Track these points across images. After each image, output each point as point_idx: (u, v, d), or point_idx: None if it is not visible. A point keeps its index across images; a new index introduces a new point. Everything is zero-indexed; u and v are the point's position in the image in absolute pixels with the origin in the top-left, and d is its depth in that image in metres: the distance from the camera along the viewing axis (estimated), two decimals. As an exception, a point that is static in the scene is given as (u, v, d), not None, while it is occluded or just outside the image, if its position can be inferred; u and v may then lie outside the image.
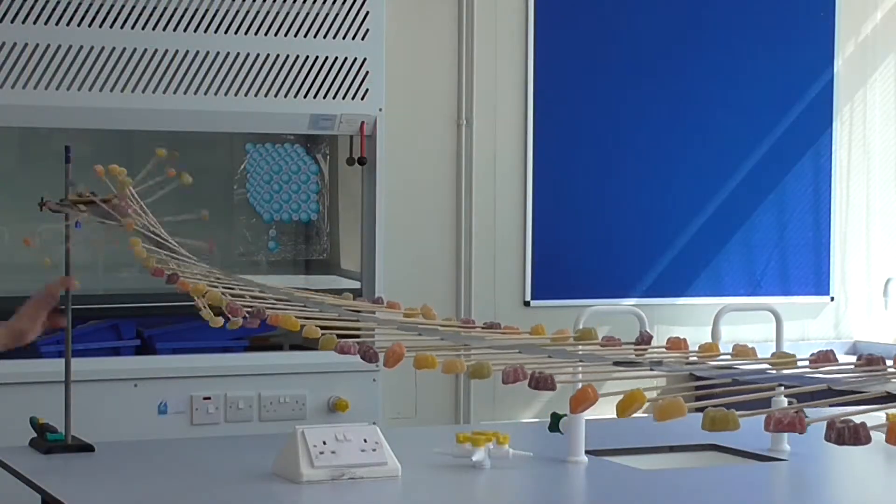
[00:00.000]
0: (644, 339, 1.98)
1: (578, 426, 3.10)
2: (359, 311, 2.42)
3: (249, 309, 2.38)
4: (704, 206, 5.74)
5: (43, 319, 3.16)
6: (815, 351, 1.56)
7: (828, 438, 1.20)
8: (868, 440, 1.18)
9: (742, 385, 1.53)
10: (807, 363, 1.55)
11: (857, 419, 1.40)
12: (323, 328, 2.19)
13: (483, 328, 2.29)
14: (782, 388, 1.58)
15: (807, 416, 1.26)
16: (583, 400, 1.38)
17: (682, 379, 4.51)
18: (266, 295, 2.55)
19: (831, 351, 1.56)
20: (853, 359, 1.34)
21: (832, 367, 1.60)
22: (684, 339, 1.94)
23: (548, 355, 1.86)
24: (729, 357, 1.79)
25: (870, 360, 1.44)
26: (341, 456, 2.84)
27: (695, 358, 1.84)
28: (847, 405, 1.45)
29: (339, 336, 2.20)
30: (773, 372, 1.62)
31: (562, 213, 5.55)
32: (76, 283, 3.21)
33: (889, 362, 1.46)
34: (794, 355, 1.70)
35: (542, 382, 1.49)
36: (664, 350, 1.93)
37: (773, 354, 1.69)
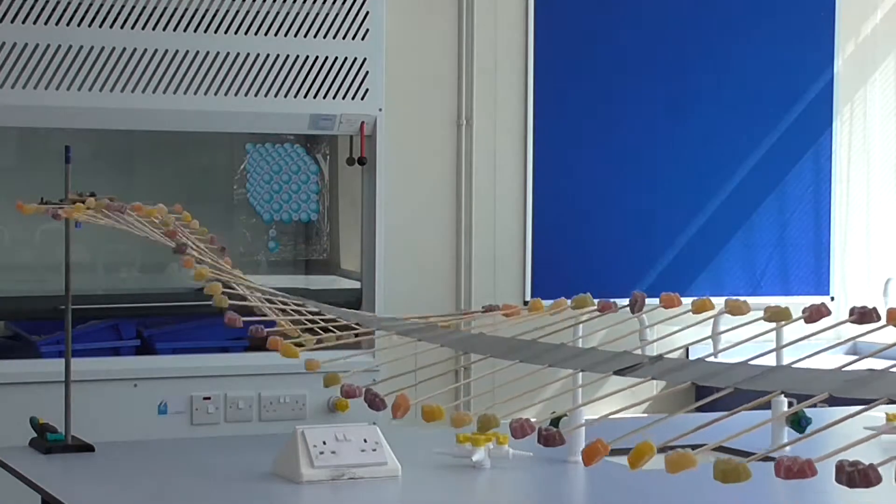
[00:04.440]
0: (637, 301, 2.00)
1: (578, 427, 3.09)
2: (358, 313, 2.42)
3: (252, 327, 2.38)
4: (704, 206, 5.74)
5: None
6: (808, 305, 1.56)
7: (839, 481, 1.23)
8: (878, 481, 1.20)
9: (742, 378, 1.54)
10: (801, 319, 1.55)
11: (857, 421, 1.40)
12: (320, 335, 2.20)
13: (483, 312, 2.29)
14: (783, 395, 1.58)
15: (814, 464, 1.28)
16: (594, 455, 1.40)
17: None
18: (272, 305, 2.52)
19: (823, 304, 1.56)
20: (853, 358, 1.34)
21: (826, 322, 1.61)
22: (677, 295, 1.96)
23: (548, 364, 1.86)
24: (722, 309, 1.81)
25: (862, 314, 1.45)
26: (341, 456, 2.84)
27: (693, 340, 1.85)
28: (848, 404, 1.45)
29: (337, 344, 2.22)
30: (774, 370, 1.63)
31: (562, 213, 5.55)
32: None
33: (881, 315, 1.47)
34: (787, 309, 1.69)
35: (549, 440, 1.50)
36: (660, 308, 1.96)
37: (766, 309, 1.69)
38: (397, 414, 1.79)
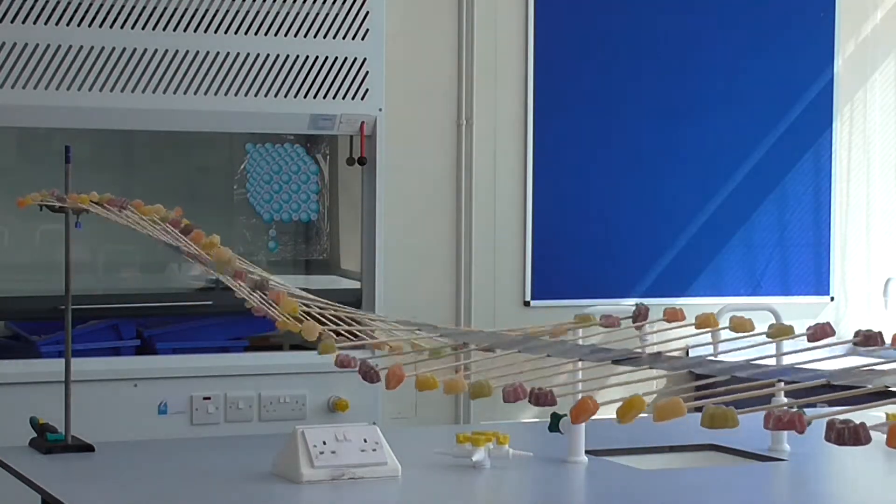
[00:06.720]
0: (641, 313, 1.99)
1: (578, 426, 3.10)
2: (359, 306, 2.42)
3: (255, 280, 2.38)
4: (704, 206, 5.74)
5: None
6: (813, 324, 1.57)
7: (828, 439, 1.21)
8: (868, 440, 1.19)
9: (742, 382, 1.54)
10: (804, 338, 1.55)
11: (857, 418, 1.40)
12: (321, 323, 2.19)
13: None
14: (782, 383, 1.58)
15: (805, 415, 1.27)
16: (583, 411, 1.38)
17: (681, 377, 4.51)
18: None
19: (828, 323, 1.56)
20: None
21: (829, 342, 1.61)
22: (681, 310, 1.95)
23: (547, 354, 1.86)
24: (728, 329, 1.81)
25: (867, 337, 1.45)
26: (341, 456, 2.84)
27: (694, 344, 1.85)
28: (846, 401, 1.45)
29: (335, 332, 2.20)
30: (773, 366, 1.63)
31: (562, 213, 5.55)
32: None
33: (887, 339, 1.47)
34: (791, 327, 1.70)
35: (542, 399, 1.49)
36: (664, 322, 1.95)
37: (770, 326, 1.69)
38: (391, 384, 1.78)
